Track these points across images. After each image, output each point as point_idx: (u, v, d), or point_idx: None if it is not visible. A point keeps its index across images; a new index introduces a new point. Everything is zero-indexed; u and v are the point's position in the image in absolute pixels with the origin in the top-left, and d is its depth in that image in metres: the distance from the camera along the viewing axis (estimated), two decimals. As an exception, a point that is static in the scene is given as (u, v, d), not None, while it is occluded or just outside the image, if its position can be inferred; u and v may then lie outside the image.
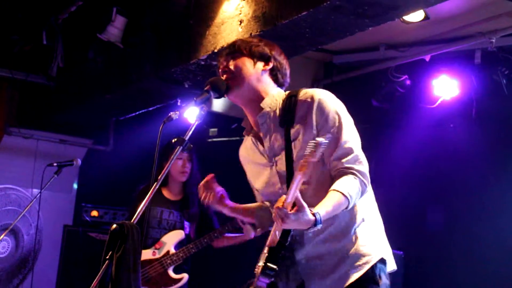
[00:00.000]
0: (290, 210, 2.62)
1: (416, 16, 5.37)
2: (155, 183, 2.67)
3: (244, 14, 4.90)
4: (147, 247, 5.23)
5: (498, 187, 5.77)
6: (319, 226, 2.68)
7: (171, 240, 5.21)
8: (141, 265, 5.05)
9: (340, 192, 2.75)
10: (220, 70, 3.06)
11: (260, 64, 3.03)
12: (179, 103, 6.73)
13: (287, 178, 2.92)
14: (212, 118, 6.76)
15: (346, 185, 2.78)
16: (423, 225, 6.19)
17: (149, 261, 5.18)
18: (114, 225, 2.59)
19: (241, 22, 4.92)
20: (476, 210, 5.86)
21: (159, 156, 4.85)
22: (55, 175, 5.44)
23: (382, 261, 2.97)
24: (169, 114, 2.81)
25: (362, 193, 2.86)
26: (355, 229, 2.92)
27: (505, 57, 5.71)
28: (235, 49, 3.04)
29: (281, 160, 2.97)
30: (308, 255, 2.92)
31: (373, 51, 6.56)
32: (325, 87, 7.21)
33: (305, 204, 2.63)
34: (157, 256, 5.17)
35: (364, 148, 6.93)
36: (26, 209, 5.76)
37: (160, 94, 6.64)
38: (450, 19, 5.63)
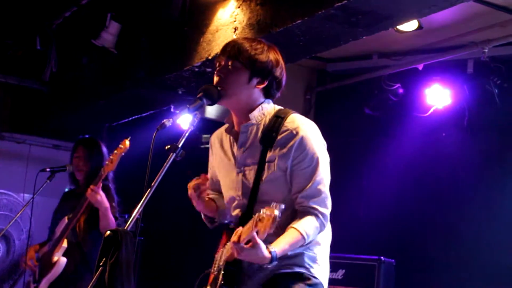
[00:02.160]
0: (246, 245, 2.68)
1: (409, 26, 5.41)
2: (149, 189, 2.67)
3: (239, 22, 4.92)
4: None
5: (489, 196, 5.79)
6: (274, 263, 2.75)
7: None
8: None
9: (299, 232, 2.83)
10: (216, 69, 3.03)
11: (255, 81, 2.99)
12: (172, 110, 6.73)
13: (251, 194, 2.97)
14: (205, 124, 6.75)
15: (306, 225, 2.87)
16: (414, 232, 6.20)
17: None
18: (108, 232, 2.59)
19: (235, 29, 4.94)
20: (468, 218, 5.88)
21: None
22: (47, 180, 5.42)
23: (312, 277, 3.00)
24: (163, 122, 2.81)
25: (319, 232, 2.96)
26: (304, 249, 2.98)
27: (497, 67, 5.74)
28: (237, 55, 2.98)
29: (250, 173, 2.99)
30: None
31: (366, 60, 6.59)
32: (319, 94, 7.23)
33: (260, 242, 2.68)
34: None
35: (356, 156, 6.96)
36: (18, 215, 5.74)
37: (153, 100, 6.65)
38: (443, 28, 5.66)
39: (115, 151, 4.81)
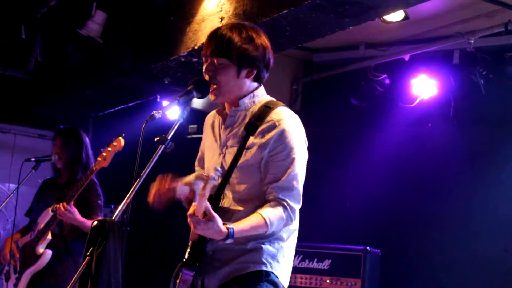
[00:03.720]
0: (202, 218, 2.68)
1: (396, 16, 5.41)
2: (138, 179, 2.67)
3: (225, 11, 4.91)
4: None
5: (475, 186, 5.82)
6: (229, 240, 2.76)
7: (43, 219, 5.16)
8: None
9: (263, 217, 2.82)
10: (204, 67, 3.00)
11: (244, 72, 2.97)
12: (158, 99, 6.71)
13: (224, 177, 2.97)
14: (192, 115, 6.73)
15: (272, 214, 2.85)
16: (400, 223, 6.23)
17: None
18: (95, 222, 2.59)
19: (222, 19, 4.93)
20: (453, 208, 5.91)
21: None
22: (33, 170, 5.40)
23: (271, 274, 2.95)
24: (152, 113, 2.81)
25: (285, 225, 2.94)
26: (265, 242, 2.95)
27: (483, 58, 5.76)
28: (223, 52, 2.93)
29: (228, 156, 3.00)
30: (215, 249, 2.95)
31: (353, 50, 6.59)
32: (305, 85, 7.23)
33: (216, 216, 2.70)
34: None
35: (342, 146, 6.98)
36: (3, 204, 5.72)
37: (139, 90, 6.63)
38: (429, 19, 5.67)
39: (109, 148, 4.78)
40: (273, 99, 3.10)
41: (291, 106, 2.91)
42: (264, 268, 2.92)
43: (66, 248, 5.07)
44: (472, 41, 5.60)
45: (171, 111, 6.40)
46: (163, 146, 2.81)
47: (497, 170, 5.71)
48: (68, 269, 5.03)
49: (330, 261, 5.82)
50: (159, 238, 7.75)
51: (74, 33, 6.41)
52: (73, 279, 2.49)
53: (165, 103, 6.88)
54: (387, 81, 6.34)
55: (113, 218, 2.62)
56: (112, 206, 6.97)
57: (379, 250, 5.85)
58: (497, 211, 5.62)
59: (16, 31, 7.13)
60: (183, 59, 5.52)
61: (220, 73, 2.96)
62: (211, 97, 3.01)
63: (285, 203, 2.89)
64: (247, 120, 3.00)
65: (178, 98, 2.86)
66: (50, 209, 5.00)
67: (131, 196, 2.67)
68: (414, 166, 6.22)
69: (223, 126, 3.09)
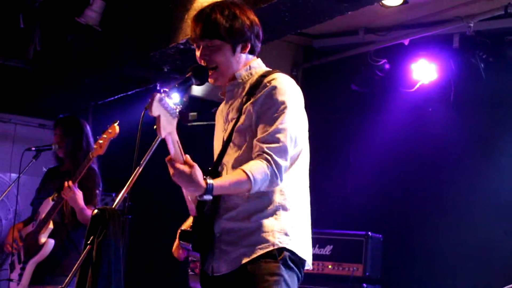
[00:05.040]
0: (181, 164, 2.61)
1: (395, 1, 5.40)
2: (137, 167, 2.67)
3: (224, -2, 4.88)
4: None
5: (475, 170, 5.83)
6: (208, 196, 2.64)
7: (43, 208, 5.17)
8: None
9: (245, 172, 2.69)
10: (198, 54, 2.99)
11: (239, 48, 2.96)
12: (158, 87, 6.70)
13: (223, 144, 2.92)
14: (192, 102, 6.74)
15: (254, 168, 2.71)
16: (401, 208, 6.24)
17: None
18: (96, 210, 2.59)
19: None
20: (454, 193, 5.92)
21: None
22: (33, 159, 5.40)
23: (285, 250, 2.81)
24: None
25: (272, 183, 2.76)
26: (267, 215, 2.82)
27: (482, 41, 5.75)
28: (213, 33, 2.92)
29: (229, 127, 2.96)
30: (222, 230, 2.87)
31: (352, 35, 6.57)
32: (305, 71, 7.22)
33: (195, 165, 2.61)
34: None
35: (343, 132, 6.97)
36: (4, 194, 5.72)
37: (139, 78, 6.62)
38: (428, 3, 5.66)
39: (104, 135, 4.77)
40: (270, 69, 3.05)
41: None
42: (274, 248, 2.77)
43: (68, 237, 5.08)
44: (471, 25, 5.59)
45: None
46: (162, 133, 2.78)
47: (498, 154, 5.71)
48: (71, 258, 5.04)
49: (331, 246, 5.83)
50: (160, 226, 7.76)
51: (73, 22, 6.39)
52: (74, 267, 2.49)
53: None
54: (387, 66, 6.33)
55: (113, 206, 2.62)
56: (114, 195, 6.97)
57: (380, 235, 5.87)
58: (498, 195, 5.63)
59: (15, 20, 7.10)
60: (182, 47, 5.50)
61: (216, 54, 2.94)
62: (211, 81, 2.99)
63: (269, 157, 2.73)
64: (245, 91, 2.96)
65: (176, 85, 2.85)
66: (50, 198, 5.01)
67: (131, 184, 2.67)
68: (415, 151, 6.22)
69: (225, 105, 3.06)
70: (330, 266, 5.80)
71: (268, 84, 2.87)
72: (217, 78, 2.99)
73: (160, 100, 2.52)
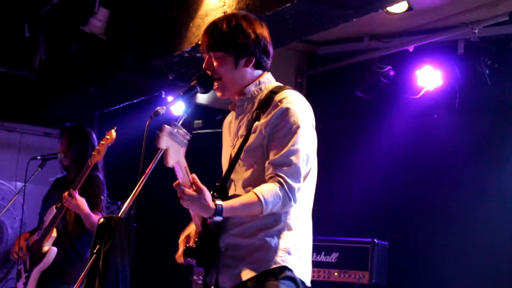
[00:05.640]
0: (189, 189, 2.62)
1: (399, 7, 5.40)
2: (143, 176, 2.67)
3: (228, 6, 4.90)
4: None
5: (481, 176, 5.81)
6: (218, 218, 2.65)
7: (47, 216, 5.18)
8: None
9: (256, 195, 2.69)
10: (204, 65, 2.99)
11: (242, 62, 2.94)
12: (163, 96, 6.72)
13: (231, 162, 2.90)
14: (197, 110, 6.74)
15: (266, 190, 2.70)
16: (407, 215, 6.22)
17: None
18: (101, 219, 2.59)
19: (225, 13, 4.91)
20: (459, 199, 5.90)
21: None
22: (39, 168, 5.41)
23: (285, 268, 2.81)
24: (156, 109, 2.79)
25: (284, 205, 2.75)
26: (273, 233, 2.82)
27: (487, 48, 5.74)
28: (216, 46, 2.93)
29: (238, 145, 2.94)
30: (227, 245, 2.86)
31: (357, 42, 6.57)
32: (309, 78, 7.22)
33: (204, 188, 2.62)
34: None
35: (348, 139, 6.95)
36: (10, 203, 5.74)
37: (144, 86, 6.63)
38: (433, 10, 5.65)
39: (102, 142, 4.80)
40: (281, 84, 3.03)
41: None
42: (276, 266, 2.77)
43: (72, 245, 5.08)
44: (476, 31, 5.58)
45: (176, 107, 6.41)
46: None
47: (503, 160, 5.70)
48: (75, 266, 5.05)
49: (337, 254, 5.82)
50: (165, 234, 7.76)
51: (78, 31, 6.41)
52: (81, 277, 2.49)
53: (169, 98, 6.88)
54: (391, 73, 6.32)
55: (119, 214, 2.62)
56: (119, 203, 6.98)
57: (386, 242, 5.85)
58: (503, 201, 5.61)
59: (20, 29, 7.13)
60: (186, 55, 5.51)
61: (218, 66, 2.93)
62: (217, 94, 2.99)
63: (281, 180, 2.72)
64: (255, 107, 2.94)
65: (181, 93, 2.85)
66: (54, 207, 5.02)
67: (136, 193, 2.67)
68: (420, 158, 6.21)
69: (234, 120, 3.05)
70: (336, 274, 5.78)
71: (279, 104, 2.84)
72: (222, 91, 2.98)
73: (170, 133, 2.52)
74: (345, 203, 6.58)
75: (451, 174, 6.04)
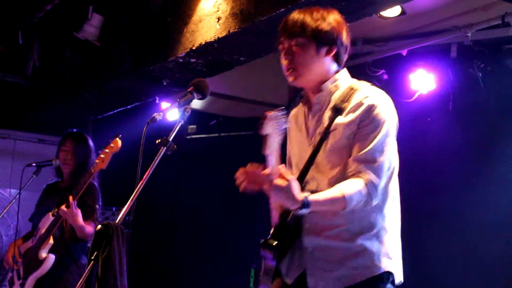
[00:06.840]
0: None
1: (393, 12, 5.42)
2: (140, 182, 2.67)
3: (222, 11, 4.90)
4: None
5: (475, 179, 5.82)
6: (305, 211, 2.62)
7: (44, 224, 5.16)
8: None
9: (340, 190, 2.67)
10: (281, 52, 2.96)
11: (323, 50, 2.92)
12: (157, 101, 6.72)
13: (308, 159, 2.87)
14: (191, 115, 6.72)
15: (350, 187, 2.68)
16: (401, 218, 6.21)
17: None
18: (99, 226, 2.59)
19: (219, 19, 4.92)
20: (453, 202, 5.92)
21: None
22: (34, 175, 5.40)
23: (389, 273, 2.85)
24: (153, 115, 2.80)
25: (367, 203, 2.74)
26: (371, 236, 2.83)
27: (480, 51, 5.77)
28: (299, 32, 2.90)
29: (315, 141, 2.90)
30: (316, 246, 2.82)
31: (350, 46, 6.57)
32: (303, 82, 7.23)
33: (293, 180, 2.60)
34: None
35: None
36: (5, 210, 5.72)
37: (138, 92, 6.63)
38: (426, 14, 5.67)
39: (106, 150, 4.76)
40: (357, 81, 3.01)
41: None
42: (380, 272, 2.78)
43: (67, 252, 5.06)
44: (469, 35, 5.61)
45: (171, 113, 6.42)
46: (165, 148, 2.79)
47: (497, 162, 5.72)
48: (71, 273, 5.02)
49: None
50: (161, 240, 7.76)
51: (71, 37, 6.41)
52: (78, 284, 2.49)
53: (164, 104, 6.88)
54: (385, 76, 6.35)
55: (116, 221, 2.63)
56: (114, 209, 6.97)
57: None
58: (498, 205, 5.62)
59: (13, 36, 7.12)
60: (181, 60, 5.52)
61: (298, 53, 2.90)
62: (290, 78, 2.95)
63: (365, 177, 2.71)
64: (332, 104, 2.91)
65: (178, 100, 2.86)
66: (50, 213, 5.00)
67: (134, 199, 2.67)
68: (413, 161, 6.21)
69: (310, 116, 3.01)
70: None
71: (363, 102, 2.83)
72: (297, 77, 2.93)
73: (275, 118, 2.54)
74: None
75: (445, 176, 6.06)
